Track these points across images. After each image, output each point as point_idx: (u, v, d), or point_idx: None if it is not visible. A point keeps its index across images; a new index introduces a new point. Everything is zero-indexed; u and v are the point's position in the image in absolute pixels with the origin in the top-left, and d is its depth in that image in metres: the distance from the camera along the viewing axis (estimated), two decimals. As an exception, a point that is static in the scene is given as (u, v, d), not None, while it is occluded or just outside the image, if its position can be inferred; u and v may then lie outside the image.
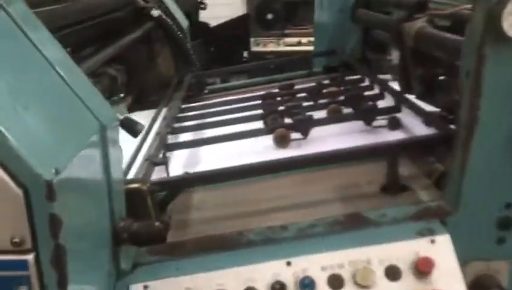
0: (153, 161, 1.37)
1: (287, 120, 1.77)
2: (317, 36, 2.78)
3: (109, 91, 2.27)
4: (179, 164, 1.63)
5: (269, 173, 1.28)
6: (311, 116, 1.65)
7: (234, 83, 2.68)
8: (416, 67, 1.76)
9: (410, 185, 1.24)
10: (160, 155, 1.42)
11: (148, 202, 1.16)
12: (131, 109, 2.37)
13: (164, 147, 1.63)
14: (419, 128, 1.54)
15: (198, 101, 2.41)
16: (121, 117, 1.20)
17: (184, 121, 1.99)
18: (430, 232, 1.05)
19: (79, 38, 1.91)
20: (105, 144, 0.97)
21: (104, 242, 0.99)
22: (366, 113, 1.65)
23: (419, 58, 1.76)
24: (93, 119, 0.95)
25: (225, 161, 1.60)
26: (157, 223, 1.05)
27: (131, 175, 1.33)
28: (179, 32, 2.55)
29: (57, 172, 0.73)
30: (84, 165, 0.88)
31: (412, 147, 1.30)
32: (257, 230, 1.11)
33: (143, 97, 2.54)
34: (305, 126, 1.64)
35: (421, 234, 1.05)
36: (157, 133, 1.65)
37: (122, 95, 2.21)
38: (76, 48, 1.94)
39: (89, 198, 0.91)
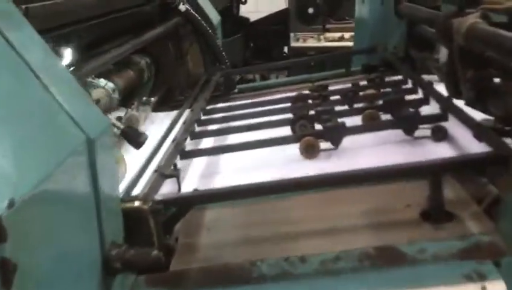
0: (162, 173, 1.23)
1: (318, 126, 1.61)
2: (357, 32, 2.58)
3: (135, 85, 2.18)
4: (195, 173, 1.49)
5: (289, 192, 1.12)
6: (343, 123, 1.47)
7: (266, 82, 2.51)
8: (467, 69, 1.55)
9: (456, 211, 1.05)
10: (172, 167, 1.28)
11: (150, 223, 1.02)
12: (156, 109, 2.26)
13: (180, 154, 1.49)
14: (468, 141, 1.34)
15: (226, 102, 2.27)
16: (122, 126, 1.07)
17: (207, 124, 1.85)
18: (480, 276, 0.86)
19: (103, 31, 1.80)
20: (92, 159, 0.84)
21: (92, 273, 0.85)
22: (407, 122, 1.45)
23: (470, 59, 1.54)
24: (77, 131, 0.82)
25: (246, 171, 1.46)
26: (155, 252, 0.91)
27: (138, 188, 1.20)
28: (208, 28, 2.42)
29: (11, 204, 0.60)
30: (62, 186, 0.75)
31: (460, 167, 1.10)
32: (272, 261, 0.96)
33: (170, 96, 2.43)
34: (336, 135, 1.46)
35: (469, 277, 0.86)
36: (174, 140, 1.51)
37: (145, 97, 2.09)
38: (100, 42, 1.84)
39: (69, 223, 0.78)
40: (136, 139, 1.06)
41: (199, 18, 2.38)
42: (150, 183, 1.18)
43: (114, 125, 1.07)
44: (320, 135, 1.47)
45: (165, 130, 1.64)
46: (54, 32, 1.19)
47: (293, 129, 1.63)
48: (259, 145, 1.51)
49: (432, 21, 1.91)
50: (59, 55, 1.19)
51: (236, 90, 2.48)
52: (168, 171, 1.24)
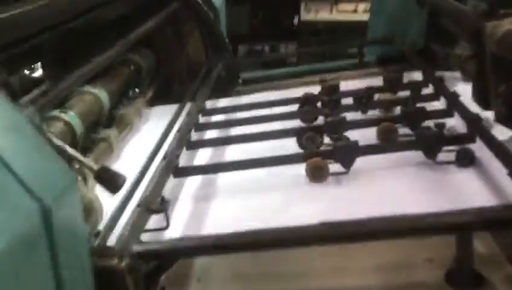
0: (148, 208, 1.08)
1: (327, 139, 1.44)
2: (373, 18, 2.36)
3: (132, 81, 2.01)
4: (188, 193, 1.34)
5: (291, 246, 0.97)
6: (355, 143, 1.30)
7: (272, 72, 2.32)
8: (499, 81, 1.36)
9: (488, 274, 0.89)
10: (159, 199, 1.12)
11: (127, 283, 0.88)
12: (153, 103, 2.09)
13: (173, 172, 1.34)
14: (499, 169, 1.16)
15: (229, 96, 2.09)
16: (95, 167, 0.91)
17: (205, 129, 1.68)
18: None
19: (97, 22, 1.62)
20: (49, 229, 0.68)
21: None
22: (428, 143, 1.27)
23: (504, 69, 1.35)
24: (28, 199, 0.66)
25: (245, 193, 1.31)
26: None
27: (120, 226, 1.05)
28: (209, 13, 2.21)
29: None
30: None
31: (497, 225, 0.94)
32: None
33: (168, 87, 2.25)
34: (348, 156, 1.29)
35: None
36: (165, 156, 1.35)
37: (137, 90, 1.91)
38: (95, 33, 1.66)
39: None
40: (112, 183, 0.90)
41: (200, 2, 2.17)
42: (131, 223, 1.03)
43: (86, 167, 0.91)
44: (330, 155, 1.30)
45: (161, 135, 1.48)
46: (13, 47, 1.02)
47: (299, 142, 1.46)
48: (261, 164, 1.35)
49: (457, 15, 1.71)
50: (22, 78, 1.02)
51: (240, 81, 2.31)
52: (155, 205, 1.09)
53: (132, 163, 1.54)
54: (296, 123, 1.65)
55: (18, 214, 0.65)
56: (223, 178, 1.38)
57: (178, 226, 1.17)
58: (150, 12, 1.98)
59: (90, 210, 0.92)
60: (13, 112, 0.72)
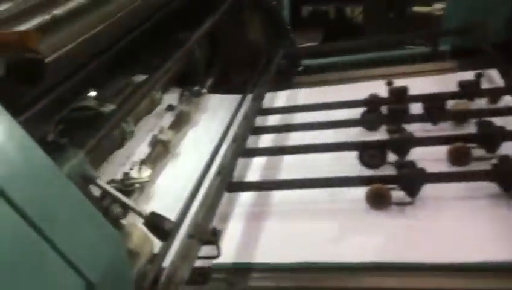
0: (199, 239, 1.05)
1: (392, 156, 1.34)
2: (450, 7, 2.15)
3: (187, 71, 1.97)
4: (240, 212, 1.30)
5: None
6: (423, 171, 1.19)
7: (335, 60, 2.19)
8: None
9: None
10: (211, 228, 1.08)
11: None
12: (211, 91, 2.04)
13: (227, 187, 1.30)
14: None
15: (288, 87, 2.00)
16: (144, 215, 0.88)
17: (261, 133, 1.62)
18: None
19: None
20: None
21: None
22: (506, 177, 1.15)
23: None
24: (72, 276, 0.64)
25: (298, 214, 1.25)
26: None
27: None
28: (271, -3, 2.10)
29: None
30: None
31: None
32: None
33: (227, 75, 2.19)
34: (413, 184, 1.19)
35: None
36: (218, 172, 1.31)
37: (196, 88, 1.86)
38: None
39: None
40: (160, 230, 0.87)
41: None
42: (179, 257, 1.00)
43: (136, 213, 0.88)
44: (394, 180, 1.21)
45: (212, 150, 1.44)
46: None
47: (360, 158, 1.37)
48: (318, 184, 1.28)
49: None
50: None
51: (301, 68, 2.20)
52: (205, 235, 1.05)
53: (187, 164, 1.53)
54: (358, 130, 1.56)
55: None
56: (278, 195, 1.33)
57: (229, 251, 1.15)
58: (214, 3, 1.91)
59: (140, 252, 0.90)
60: (58, 176, 0.69)
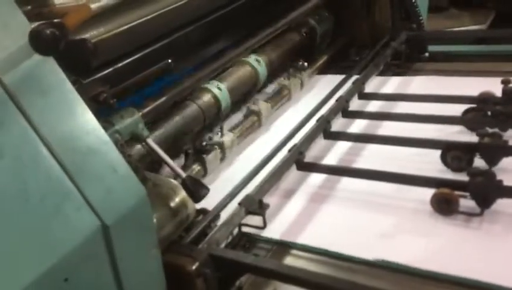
0: (246, 208, 1.11)
1: (479, 161, 1.22)
2: None
3: (303, 47, 1.99)
4: (305, 190, 1.32)
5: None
6: (500, 182, 1.08)
7: (463, 48, 2.00)
8: None
9: None
10: (257, 202, 1.13)
11: (197, 285, 0.94)
12: (323, 71, 2.04)
13: (296, 165, 1.33)
14: None
15: (403, 74, 1.90)
16: (184, 175, 0.96)
17: (352, 117, 1.59)
18: None
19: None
20: (109, 243, 0.78)
21: None
22: None
23: None
24: (87, 215, 0.75)
25: (356, 205, 1.23)
26: None
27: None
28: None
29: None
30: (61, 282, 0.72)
31: None
32: None
33: (345, 54, 2.15)
34: (485, 195, 1.09)
35: None
36: (290, 149, 1.34)
37: (300, 62, 1.87)
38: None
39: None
40: (195, 192, 0.94)
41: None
42: (224, 222, 1.08)
43: (175, 172, 0.96)
44: (465, 188, 1.11)
45: (289, 131, 1.46)
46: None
47: (443, 158, 1.28)
48: (387, 178, 1.23)
49: None
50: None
51: (427, 55, 2.06)
52: (252, 207, 1.11)
53: (276, 140, 1.58)
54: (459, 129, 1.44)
55: (77, 229, 0.74)
56: (346, 182, 1.31)
57: (277, 226, 1.18)
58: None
59: (180, 209, 1.00)
60: (98, 133, 0.80)
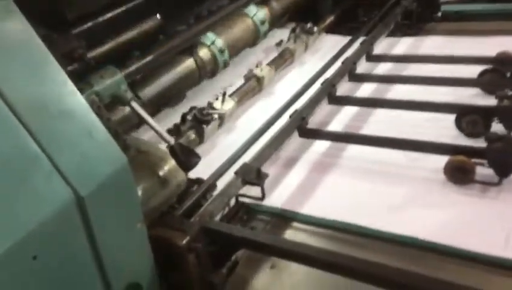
0: (243, 178, 1.02)
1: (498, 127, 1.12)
2: None
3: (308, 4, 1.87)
4: (309, 158, 1.23)
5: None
6: (522, 148, 0.98)
7: (475, 7, 1.87)
8: None
9: None
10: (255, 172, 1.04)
11: (188, 261, 0.86)
12: (331, 30, 1.92)
13: (299, 132, 1.23)
14: None
15: (415, 34, 1.78)
16: (172, 142, 0.87)
17: (359, 80, 1.48)
18: None
19: None
20: (85, 215, 0.69)
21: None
22: None
23: None
24: (58, 184, 0.67)
25: (364, 174, 1.14)
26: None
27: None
28: None
29: None
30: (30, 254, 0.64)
31: None
32: None
33: (354, 16, 2.01)
34: (506, 161, 0.99)
35: None
36: (291, 115, 1.24)
37: (309, 24, 1.75)
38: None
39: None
40: (185, 160, 0.85)
41: None
42: (220, 192, 0.99)
43: (163, 139, 0.87)
44: (482, 155, 1.02)
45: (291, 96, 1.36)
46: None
47: (458, 123, 1.18)
48: (398, 145, 1.14)
49: None
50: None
51: (439, 14, 1.92)
52: (250, 175, 1.02)
53: (278, 104, 1.48)
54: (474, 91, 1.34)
55: (47, 200, 0.66)
56: (353, 150, 1.22)
57: (277, 197, 1.10)
58: None
59: (169, 178, 0.91)
60: (71, 94, 0.71)
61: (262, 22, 1.57)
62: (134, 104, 0.88)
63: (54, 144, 0.68)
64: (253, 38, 1.61)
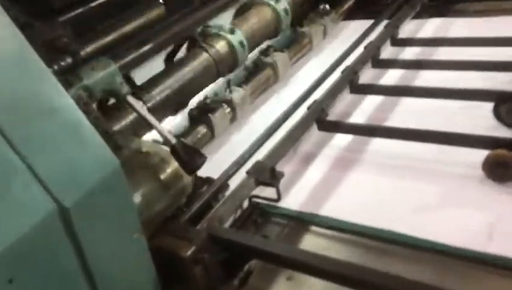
0: (256, 178, 0.93)
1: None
2: None
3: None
4: (329, 153, 1.12)
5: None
6: None
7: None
8: None
9: None
10: (269, 171, 0.93)
11: (194, 273, 0.77)
12: (350, 16, 1.79)
13: (317, 124, 1.13)
14: None
15: (442, 15, 1.64)
16: (174, 141, 0.77)
17: (384, 67, 1.36)
18: None
19: None
20: (69, 227, 0.61)
21: None
22: None
23: None
24: (39, 194, 0.58)
25: (390, 170, 1.02)
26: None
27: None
28: None
29: None
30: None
31: None
32: None
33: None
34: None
35: None
36: (309, 107, 1.14)
37: (322, 6, 1.63)
38: None
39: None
40: (188, 162, 0.75)
41: None
42: (231, 195, 0.90)
43: (163, 138, 0.77)
44: (526, 149, 0.90)
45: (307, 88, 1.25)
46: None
47: (496, 111, 1.05)
48: (427, 138, 1.03)
49: None
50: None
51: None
52: (264, 177, 0.92)
53: (296, 95, 1.37)
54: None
55: (25, 213, 0.57)
56: (377, 144, 1.11)
57: (294, 197, 1.00)
58: None
59: (173, 181, 0.82)
60: (54, 89, 0.62)
61: (286, 12, 1.43)
62: (131, 99, 0.79)
63: (33, 147, 0.59)
64: (275, 29, 1.46)
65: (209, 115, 1.17)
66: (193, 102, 1.20)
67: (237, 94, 1.26)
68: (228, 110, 1.23)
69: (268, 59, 1.41)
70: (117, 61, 0.81)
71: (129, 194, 0.68)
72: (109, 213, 0.65)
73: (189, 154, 0.76)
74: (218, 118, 1.19)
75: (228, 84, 1.24)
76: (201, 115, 1.18)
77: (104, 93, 0.77)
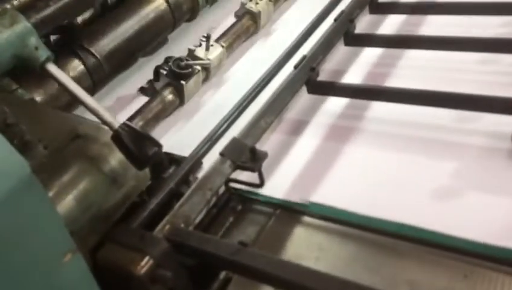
0: (232, 161, 0.74)
1: None
2: None
3: None
4: (321, 120, 0.93)
5: None
6: None
7: None
8: None
9: None
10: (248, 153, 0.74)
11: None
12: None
13: (307, 88, 0.93)
14: None
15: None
16: (116, 126, 0.57)
17: (383, 12, 1.15)
18: None
19: None
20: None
21: None
22: None
23: None
24: None
25: (394, 145, 0.84)
26: None
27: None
28: None
29: None
30: None
31: None
32: None
33: None
34: None
35: None
36: (298, 64, 0.93)
37: None
38: None
39: None
40: (136, 153, 0.55)
41: None
42: (197, 185, 0.71)
43: (104, 123, 0.57)
44: None
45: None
46: None
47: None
48: (441, 102, 0.84)
49: None
50: None
51: None
52: (243, 161, 0.73)
53: (278, 48, 1.15)
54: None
55: None
56: (378, 109, 0.92)
57: (281, 179, 0.82)
58: None
59: (120, 174, 0.63)
60: None
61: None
62: (52, 67, 0.57)
63: None
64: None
65: (182, 82, 0.97)
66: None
67: (216, 53, 1.05)
68: (203, 73, 1.03)
69: (249, 6, 1.19)
70: (31, 15, 0.59)
71: (49, 207, 0.49)
72: (22, 238, 0.47)
73: (137, 143, 0.56)
74: (191, 84, 0.99)
75: (208, 39, 1.03)
76: (170, 78, 0.98)
77: (15, 61, 0.55)
